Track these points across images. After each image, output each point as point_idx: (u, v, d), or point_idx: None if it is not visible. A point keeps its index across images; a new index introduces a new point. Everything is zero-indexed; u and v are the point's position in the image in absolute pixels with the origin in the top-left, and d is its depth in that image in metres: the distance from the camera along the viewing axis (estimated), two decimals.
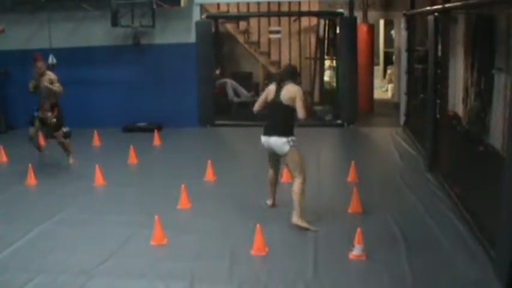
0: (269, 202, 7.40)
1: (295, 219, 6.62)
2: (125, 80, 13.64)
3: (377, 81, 18.61)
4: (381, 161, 10.43)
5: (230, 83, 14.84)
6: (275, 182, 7.34)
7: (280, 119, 6.76)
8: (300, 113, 6.63)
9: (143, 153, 10.69)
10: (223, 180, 8.87)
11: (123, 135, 13.02)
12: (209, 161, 9.00)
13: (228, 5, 15.35)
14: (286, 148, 6.65)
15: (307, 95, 6.95)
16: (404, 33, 12.95)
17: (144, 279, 5.46)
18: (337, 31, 14.03)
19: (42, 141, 10.98)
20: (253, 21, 15.89)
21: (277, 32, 15.51)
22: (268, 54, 16.02)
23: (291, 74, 6.95)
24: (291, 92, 6.71)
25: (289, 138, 6.65)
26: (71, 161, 10.03)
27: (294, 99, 6.66)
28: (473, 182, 7.22)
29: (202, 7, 13.81)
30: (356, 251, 5.79)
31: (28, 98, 12.86)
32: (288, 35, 15.85)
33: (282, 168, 7.29)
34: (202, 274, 5.54)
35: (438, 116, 8.74)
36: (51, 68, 12.39)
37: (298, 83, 7.01)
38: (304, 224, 6.60)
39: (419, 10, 11.15)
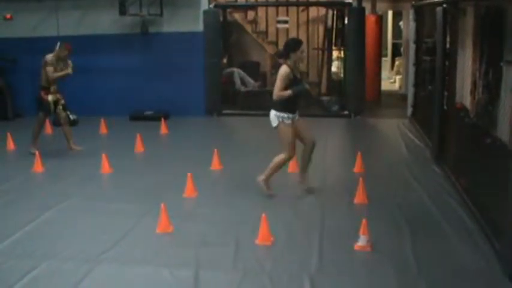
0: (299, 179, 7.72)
1: (260, 178, 7.32)
2: (132, 68, 13.65)
3: (384, 73, 18.59)
4: (387, 152, 10.42)
5: (237, 72, 14.82)
6: (302, 157, 7.54)
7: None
8: (273, 93, 7.10)
9: (150, 141, 10.71)
10: (229, 169, 8.88)
11: (130, 124, 13.04)
12: (215, 150, 9.02)
13: None
14: (275, 123, 7.13)
15: (299, 77, 7.30)
16: (412, 25, 12.91)
17: (150, 266, 5.48)
18: (345, 22, 13.98)
19: (48, 129, 11.04)
20: (261, 11, 15.86)
21: (285, 21, 15.46)
22: (276, 44, 15.98)
23: (282, 53, 7.26)
24: (279, 71, 7.13)
25: (280, 114, 7.08)
26: (73, 146, 10.26)
27: None
28: (480, 174, 7.20)
29: None
30: (361, 242, 5.79)
31: (35, 85, 12.93)
32: (296, 25, 15.81)
33: (310, 141, 7.43)
34: (207, 262, 5.55)
35: (445, 107, 8.71)
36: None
37: (287, 59, 7.13)
38: (263, 187, 7.30)
39: (428, 1, 11.09)
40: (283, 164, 7.34)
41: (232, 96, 14.63)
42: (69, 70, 9.73)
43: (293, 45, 7.24)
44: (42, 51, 11.84)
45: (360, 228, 5.79)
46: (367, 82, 14.01)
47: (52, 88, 9.78)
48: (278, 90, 7.05)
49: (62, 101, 9.96)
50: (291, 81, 7.06)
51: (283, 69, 7.06)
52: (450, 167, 8.28)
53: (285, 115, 7.08)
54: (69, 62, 9.78)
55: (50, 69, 9.57)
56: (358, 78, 13.38)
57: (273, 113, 7.14)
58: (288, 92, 7.02)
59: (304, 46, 7.28)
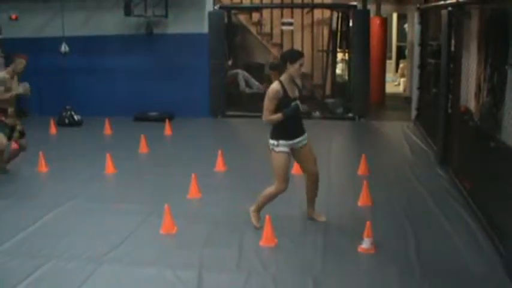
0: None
1: (251, 208, 6.53)
2: (137, 69, 13.67)
3: (389, 75, 18.56)
4: (391, 154, 10.41)
5: (242, 74, 14.82)
6: (307, 190, 6.66)
7: None
8: (263, 116, 6.15)
9: (154, 142, 10.72)
10: (233, 170, 8.89)
11: (134, 125, 13.05)
12: (220, 152, 9.02)
13: None
14: (271, 150, 6.21)
15: (294, 96, 6.17)
16: (417, 27, 12.88)
17: (153, 267, 5.48)
18: (350, 24, 13.98)
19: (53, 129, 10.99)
20: (266, 13, 15.84)
21: (290, 23, 15.44)
22: (281, 46, 15.96)
23: (277, 64, 6.57)
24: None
25: (271, 141, 6.16)
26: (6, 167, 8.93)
27: None
28: (484, 177, 7.20)
29: None
30: (365, 244, 5.79)
31: (40, 85, 12.97)
32: (301, 27, 15.80)
33: (312, 174, 6.50)
34: (211, 263, 5.56)
35: (450, 110, 8.71)
36: (63, 55, 12.49)
37: (281, 73, 6.18)
38: (253, 218, 6.47)
39: (433, 4, 11.08)
40: (274, 197, 6.35)
41: (237, 97, 14.63)
42: (20, 89, 8.31)
43: (291, 56, 6.21)
44: (48, 52, 11.92)
45: (364, 230, 5.79)
46: (372, 84, 14.00)
47: (9, 111, 8.35)
48: (267, 114, 6.06)
49: (19, 127, 8.59)
50: (282, 101, 6.03)
51: (273, 86, 6.07)
52: (454, 170, 8.27)
53: (276, 142, 6.10)
54: (25, 83, 8.39)
55: (1, 88, 8.10)
56: (363, 81, 13.38)
57: (268, 142, 6.22)
58: (278, 116, 6.00)
59: (304, 60, 6.23)
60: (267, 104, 6.05)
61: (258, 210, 6.50)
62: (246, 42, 16.26)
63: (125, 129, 12.41)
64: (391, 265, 5.50)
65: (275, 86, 6.07)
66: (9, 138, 8.45)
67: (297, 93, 6.23)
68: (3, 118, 8.28)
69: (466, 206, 7.02)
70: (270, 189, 6.33)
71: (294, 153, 6.33)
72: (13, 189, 8.03)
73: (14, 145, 8.89)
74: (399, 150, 10.46)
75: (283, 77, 6.13)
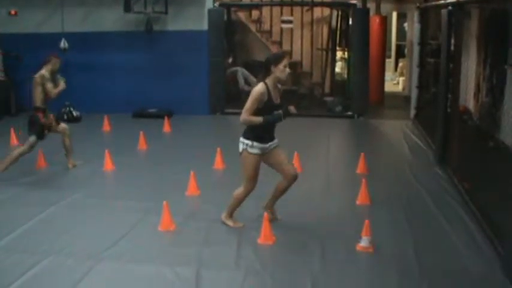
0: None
1: (222, 215, 6.50)
2: (137, 66, 13.66)
3: (388, 74, 18.56)
4: (390, 153, 10.42)
5: (241, 71, 14.82)
6: (278, 188, 6.50)
7: None
8: (241, 115, 6.02)
9: (153, 139, 10.72)
10: (232, 168, 8.86)
11: (133, 121, 13.05)
12: (218, 149, 9.02)
13: None
14: (240, 149, 6.11)
15: (278, 102, 6.07)
16: (417, 26, 12.90)
17: (152, 264, 5.48)
18: (350, 22, 13.98)
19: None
20: (265, 10, 15.85)
21: (290, 21, 15.45)
22: (280, 43, 15.97)
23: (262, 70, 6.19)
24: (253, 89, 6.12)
25: (246, 141, 6.04)
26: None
27: None
28: (483, 177, 7.20)
29: None
30: (363, 243, 5.79)
31: None
32: (300, 25, 15.80)
33: (290, 175, 6.32)
34: (209, 261, 5.56)
35: (449, 110, 8.71)
36: (62, 52, 12.47)
37: (266, 77, 6.03)
38: (229, 222, 6.43)
39: (433, 3, 11.08)
40: (243, 198, 6.33)
41: (236, 95, 14.62)
42: (63, 85, 8.54)
43: (274, 58, 6.03)
44: (47, 48, 11.85)
45: (363, 229, 5.79)
46: (371, 83, 14.02)
47: (46, 109, 8.57)
48: (246, 114, 5.93)
49: (54, 123, 8.76)
50: (266, 105, 5.93)
51: (258, 87, 5.95)
52: (453, 170, 8.28)
53: (250, 143, 6.02)
54: (58, 75, 8.62)
55: (50, 86, 8.37)
56: (362, 79, 13.39)
57: (240, 140, 6.13)
58: (258, 120, 5.91)
59: (286, 61, 5.99)
60: (249, 104, 5.93)
61: (230, 215, 6.48)
62: (246, 39, 16.26)
63: (124, 125, 12.41)
64: (390, 264, 5.50)
65: (260, 87, 5.95)
66: (41, 138, 8.54)
67: (279, 99, 6.12)
68: (43, 119, 8.46)
69: (465, 206, 7.02)
70: (239, 192, 6.29)
71: (266, 158, 6.21)
72: (11, 185, 8.01)
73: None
74: (398, 149, 10.46)
75: (268, 80, 6.01)
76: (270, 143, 6.15)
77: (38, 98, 8.42)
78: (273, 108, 5.98)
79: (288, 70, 6.03)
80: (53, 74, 8.58)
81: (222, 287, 5.14)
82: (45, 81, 8.36)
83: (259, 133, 6.04)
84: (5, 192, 7.68)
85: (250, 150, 6.03)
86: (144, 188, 7.94)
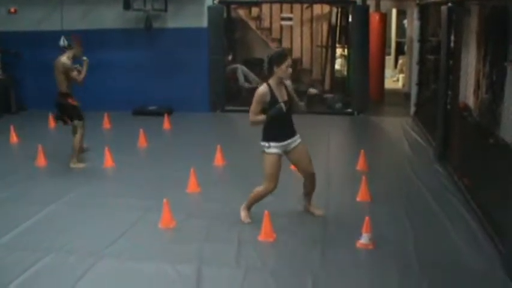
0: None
1: (242, 207, 6.55)
2: (136, 63, 13.64)
3: (388, 71, 18.54)
4: (390, 150, 10.43)
5: (241, 68, 14.82)
6: (304, 186, 6.71)
7: None
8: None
9: (153, 136, 10.72)
10: (232, 165, 8.89)
11: (133, 119, 13.05)
12: (218, 146, 9.02)
13: None
14: (262, 152, 6.24)
15: (282, 99, 6.09)
16: (417, 23, 12.89)
17: (152, 262, 5.49)
18: (350, 19, 13.97)
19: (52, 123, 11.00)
20: (265, 8, 15.85)
21: (289, 18, 15.45)
22: (280, 41, 15.98)
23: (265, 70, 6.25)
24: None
25: (262, 143, 6.19)
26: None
27: None
28: (483, 174, 7.20)
29: None
30: (363, 240, 5.80)
31: (39, 79, 12.92)
32: (300, 22, 15.80)
33: (307, 174, 6.54)
34: (210, 258, 5.57)
35: (449, 107, 8.71)
36: (62, 50, 12.45)
37: (270, 76, 6.12)
38: (242, 213, 6.51)
39: (433, 0, 11.08)
40: (263, 196, 6.39)
41: (236, 92, 14.62)
42: (87, 65, 8.74)
43: (277, 58, 6.06)
44: (46, 46, 11.85)
45: (363, 226, 5.80)
46: (371, 80, 14.01)
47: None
48: (251, 115, 6.11)
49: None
50: (271, 105, 6.02)
51: (260, 89, 6.08)
52: (453, 166, 8.28)
53: (267, 143, 6.14)
54: (83, 57, 8.80)
55: (75, 74, 8.58)
56: (362, 76, 13.38)
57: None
58: (262, 118, 6.04)
59: (289, 61, 6.08)
60: (253, 105, 6.08)
61: (248, 208, 6.53)
62: (246, 37, 16.26)
63: (124, 123, 12.40)
64: (390, 261, 5.51)
65: (262, 89, 6.06)
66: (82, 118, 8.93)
67: (285, 96, 6.17)
68: (76, 102, 8.85)
69: (465, 203, 7.03)
70: (259, 189, 6.37)
71: (288, 155, 6.35)
72: (12, 183, 8.03)
73: None
74: (398, 146, 10.46)
75: (271, 80, 6.08)
76: (289, 140, 6.25)
77: (63, 84, 8.64)
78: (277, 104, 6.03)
79: (290, 70, 6.09)
80: (75, 57, 8.74)
81: (222, 285, 5.15)
82: (68, 70, 8.54)
83: (274, 132, 6.14)
84: (6, 190, 7.69)
85: (267, 151, 6.16)
86: (144, 186, 7.94)
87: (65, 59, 8.58)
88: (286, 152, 6.30)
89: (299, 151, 6.35)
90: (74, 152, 8.84)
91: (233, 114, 13.61)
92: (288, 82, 6.27)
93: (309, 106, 6.84)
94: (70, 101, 8.76)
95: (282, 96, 6.12)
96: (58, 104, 8.84)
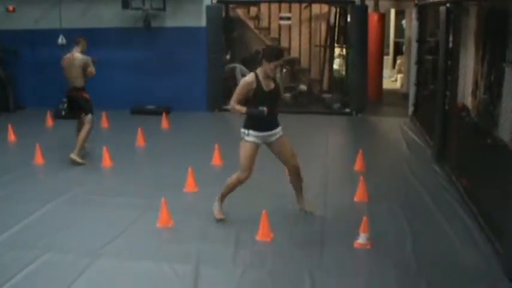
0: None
1: (215, 203, 6.56)
2: (135, 62, 13.64)
3: (386, 71, 18.56)
4: (388, 150, 10.43)
5: (239, 68, 14.81)
6: (291, 182, 6.73)
7: None
8: None
9: (151, 135, 10.71)
10: (230, 164, 8.82)
11: (131, 118, 13.04)
12: (216, 145, 9.02)
13: None
14: (241, 138, 6.29)
15: (270, 90, 6.14)
16: (415, 24, 12.89)
17: (150, 261, 5.49)
18: (348, 19, 13.97)
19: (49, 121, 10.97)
20: (263, 7, 15.86)
21: (288, 18, 15.45)
22: (279, 40, 15.98)
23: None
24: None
25: (242, 130, 6.24)
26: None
27: None
28: (481, 174, 7.20)
29: None
30: (361, 240, 5.80)
31: (37, 77, 12.91)
32: (299, 22, 15.80)
33: (290, 167, 6.57)
34: (208, 257, 5.57)
35: (447, 107, 8.71)
36: (60, 48, 12.44)
37: (254, 69, 6.25)
38: (214, 207, 6.51)
39: (432, 1, 11.08)
40: (236, 185, 6.42)
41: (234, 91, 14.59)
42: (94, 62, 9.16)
43: (269, 55, 6.11)
44: (45, 44, 11.88)
45: (360, 226, 5.80)
46: (369, 80, 14.02)
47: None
48: (232, 101, 6.17)
49: None
50: (256, 93, 6.06)
51: (247, 77, 6.16)
52: (451, 167, 8.29)
53: (246, 131, 6.18)
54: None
55: (92, 69, 9.04)
56: (360, 76, 13.38)
57: None
58: (242, 110, 6.07)
59: (280, 62, 6.12)
60: (236, 91, 6.16)
61: (222, 198, 6.55)
62: (244, 36, 16.24)
63: (122, 122, 12.40)
64: (387, 260, 5.51)
65: (249, 77, 6.13)
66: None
67: (272, 86, 6.19)
68: (88, 96, 9.10)
69: (462, 203, 7.04)
70: (232, 178, 6.42)
71: (270, 147, 6.40)
72: (9, 181, 8.02)
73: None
74: (396, 146, 10.47)
75: (259, 70, 6.13)
76: (269, 132, 6.27)
77: (79, 79, 8.93)
78: (265, 96, 6.07)
79: (277, 71, 6.15)
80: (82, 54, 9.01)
81: (220, 284, 5.15)
82: (87, 64, 8.92)
83: (255, 121, 6.16)
84: (4, 188, 7.70)
85: (246, 138, 6.20)
86: (142, 185, 7.94)
87: (80, 54, 8.92)
88: (268, 144, 6.35)
89: (280, 143, 6.36)
90: (78, 145, 8.92)
91: (231, 113, 13.59)
92: (278, 74, 6.33)
93: (297, 102, 6.83)
94: (85, 95, 9.02)
95: (268, 85, 6.14)
96: (71, 98, 9.09)
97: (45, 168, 8.83)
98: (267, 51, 6.27)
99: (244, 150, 6.23)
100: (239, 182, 6.39)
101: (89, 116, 9.00)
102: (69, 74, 8.94)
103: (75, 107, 9.11)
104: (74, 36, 9.32)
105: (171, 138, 11.32)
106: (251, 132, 6.18)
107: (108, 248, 5.75)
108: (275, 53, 6.21)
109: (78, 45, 9.00)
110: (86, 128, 8.95)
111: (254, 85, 6.06)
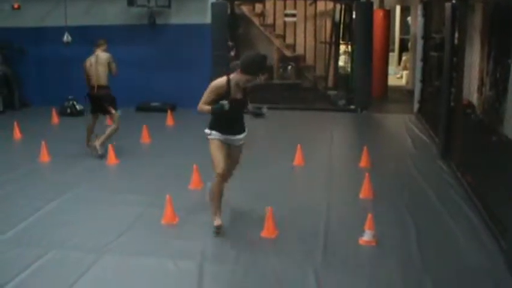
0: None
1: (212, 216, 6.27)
2: (140, 59, 13.64)
3: (391, 68, 18.53)
4: (393, 147, 10.41)
5: None
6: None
7: None
8: None
9: (156, 133, 10.72)
10: None
11: (136, 115, 13.05)
12: None
13: None
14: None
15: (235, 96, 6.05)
16: (420, 20, 12.87)
17: (154, 257, 5.50)
18: (353, 16, 13.95)
19: (55, 119, 10.99)
20: (269, 4, 15.83)
21: (293, 15, 15.43)
22: (284, 37, 15.97)
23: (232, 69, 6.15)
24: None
25: (206, 130, 6.27)
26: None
27: None
28: (486, 171, 7.19)
29: None
30: (366, 237, 5.80)
31: (42, 75, 12.92)
32: (304, 19, 15.78)
33: (231, 172, 6.69)
34: (212, 254, 5.58)
35: (452, 104, 8.69)
36: (65, 45, 12.47)
37: (228, 74, 6.14)
38: (214, 218, 6.18)
39: None
40: (218, 189, 6.24)
41: None
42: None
43: (246, 67, 5.86)
44: (50, 41, 11.90)
45: (365, 222, 5.80)
46: (374, 77, 13.99)
47: None
48: (201, 103, 6.11)
49: None
50: (222, 98, 5.98)
51: (218, 80, 6.11)
52: (456, 163, 8.27)
53: (208, 131, 6.23)
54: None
55: (114, 66, 9.42)
56: (365, 73, 13.35)
57: None
58: (207, 109, 6.03)
59: (251, 79, 5.92)
60: (205, 94, 6.12)
61: (214, 212, 6.28)
62: (249, 33, 16.23)
63: (127, 119, 12.33)
64: (392, 257, 5.50)
65: (220, 81, 6.08)
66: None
67: (239, 97, 6.11)
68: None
69: (468, 200, 7.02)
70: (213, 183, 6.31)
71: (228, 148, 6.33)
72: (15, 178, 8.04)
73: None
74: (401, 143, 10.45)
75: (232, 76, 6.04)
76: (232, 137, 6.27)
77: (104, 77, 9.27)
78: (231, 103, 5.95)
79: (247, 85, 6.03)
80: None
81: (224, 280, 5.16)
82: (112, 63, 9.29)
83: (218, 123, 6.19)
84: (10, 185, 7.71)
85: (209, 137, 6.22)
86: (147, 181, 7.95)
87: (106, 53, 9.28)
88: (228, 145, 6.30)
89: (237, 151, 6.44)
90: (104, 137, 9.13)
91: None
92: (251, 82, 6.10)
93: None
94: (110, 93, 9.29)
95: (235, 93, 6.06)
96: (97, 97, 9.24)
97: (50, 166, 8.84)
98: (247, 61, 5.90)
99: (211, 149, 6.22)
100: (219, 182, 6.23)
101: (117, 116, 9.22)
102: (95, 72, 9.18)
103: (98, 105, 9.28)
104: (96, 39, 9.56)
105: (176, 135, 11.33)
106: (213, 132, 6.20)
107: (113, 245, 5.75)
108: (254, 68, 5.92)
109: (100, 47, 9.32)
110: (113, 127, 9.24)
111: (223, 90, 6.02)
